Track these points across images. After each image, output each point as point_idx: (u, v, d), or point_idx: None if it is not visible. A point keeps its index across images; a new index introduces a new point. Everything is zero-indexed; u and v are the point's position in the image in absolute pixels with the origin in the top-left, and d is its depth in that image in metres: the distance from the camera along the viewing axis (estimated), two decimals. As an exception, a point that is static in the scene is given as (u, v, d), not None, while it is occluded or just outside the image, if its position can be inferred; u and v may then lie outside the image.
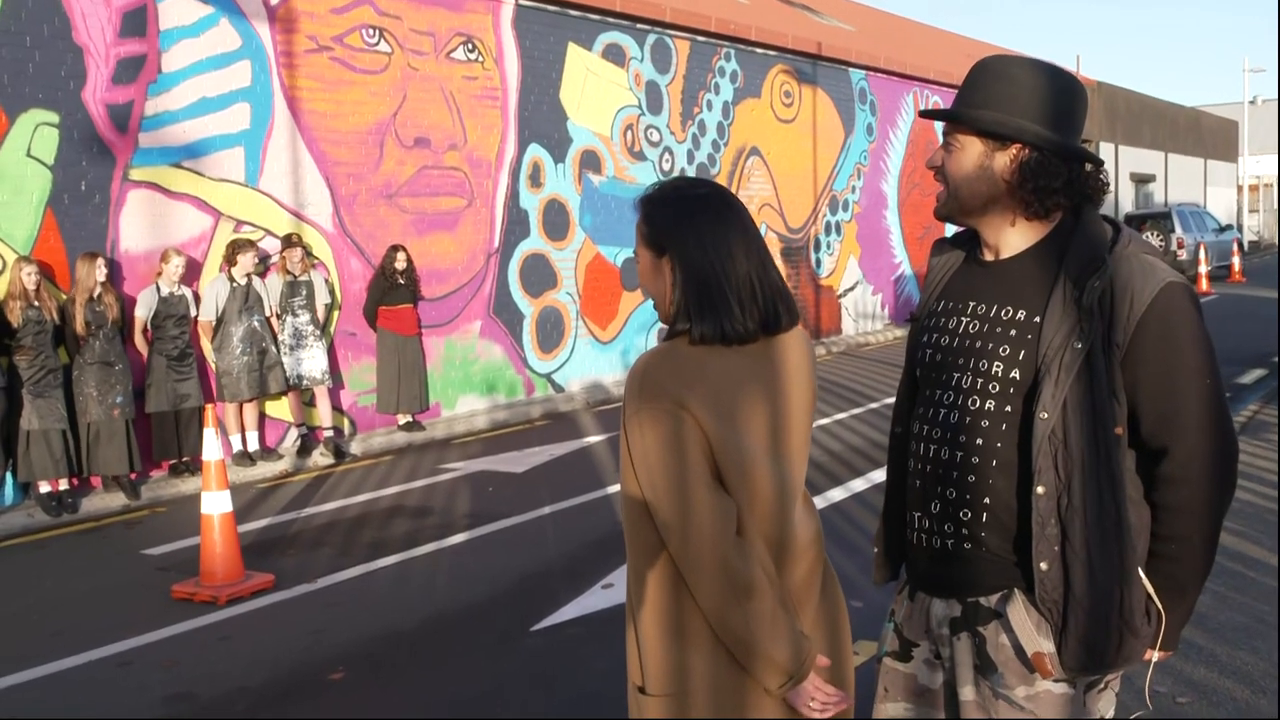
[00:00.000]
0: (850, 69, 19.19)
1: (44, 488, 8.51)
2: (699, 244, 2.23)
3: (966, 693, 2.25)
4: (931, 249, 2.48)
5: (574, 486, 8.84)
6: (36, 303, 8.39)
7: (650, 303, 2.49)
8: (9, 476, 8.49)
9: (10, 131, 8.62)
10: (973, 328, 2.27)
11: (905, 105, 21.02)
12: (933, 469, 2.29)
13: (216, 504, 6.50)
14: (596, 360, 14.11)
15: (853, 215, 19.44)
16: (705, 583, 2.16)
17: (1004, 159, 2.22)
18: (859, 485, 8.55)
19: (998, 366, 2.21)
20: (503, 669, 5.28)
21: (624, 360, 14.37)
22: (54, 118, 8.89)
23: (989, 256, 2.33)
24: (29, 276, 8.36)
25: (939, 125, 2.38)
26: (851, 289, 19.47)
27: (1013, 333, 2.21)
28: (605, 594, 6.20)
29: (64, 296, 8.79)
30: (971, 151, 2.24)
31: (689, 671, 2.22)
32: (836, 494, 8.29)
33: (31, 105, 8.74)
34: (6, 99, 8.60)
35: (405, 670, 5.34)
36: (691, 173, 15.41)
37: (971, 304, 2.30)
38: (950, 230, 2.47)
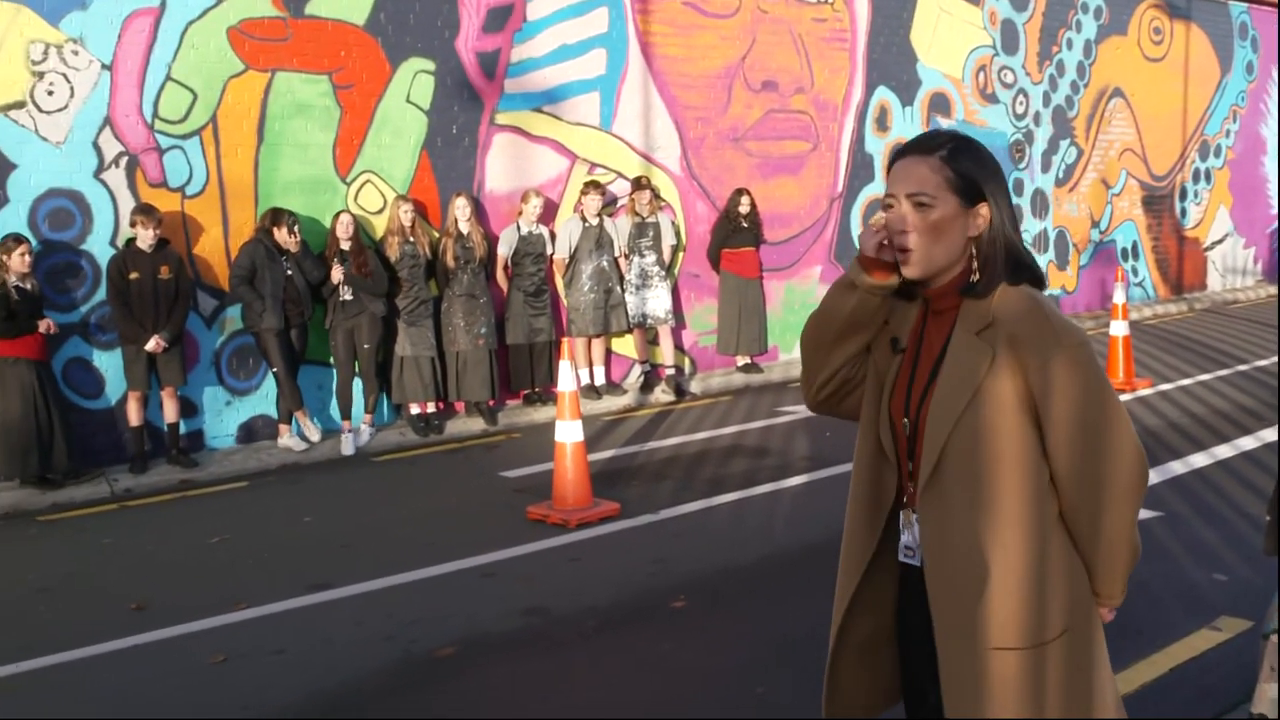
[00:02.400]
0: (1231, 2, 17.64)
1: (414, 409, 9.26)
2: (1008, 202, 2.31)
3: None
4: None
5: (912, 436, 8.70)
6: (412, 238, 9.08)
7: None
8: (384, 398, 9.29)
9: (393, 79, 9.32)
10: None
11: (1293, 40, 19.11)
12: (1343, 433, 2.11)
13: (569, 433, 6.85)
14: (937, 309, 13.74)
15: (1225, 162, 17.96)
16: (1136, 502, 2.25)
17: None
18: (1224, 452, 7.98)
19: None
20: (839, 611, 5.31)
21: (966, 310, 13.91)
22: (430, 65, 9.53)
23: None
24: (406, 214, 9.05)
25: None
26: (1220, 241, 18.04)
27: None
28: (944, 546, 6.09)
29: (436, 233, 9.46)
30: None
31: (1083, 604, 2.30)
32: (1199, 459, 7.76)
33: (411, 54, 9.40)
34: (390, 49, 9.29)
35: (743, 604, 5.47)
36: (1047, 117, 14.73)
37: None
38: None
